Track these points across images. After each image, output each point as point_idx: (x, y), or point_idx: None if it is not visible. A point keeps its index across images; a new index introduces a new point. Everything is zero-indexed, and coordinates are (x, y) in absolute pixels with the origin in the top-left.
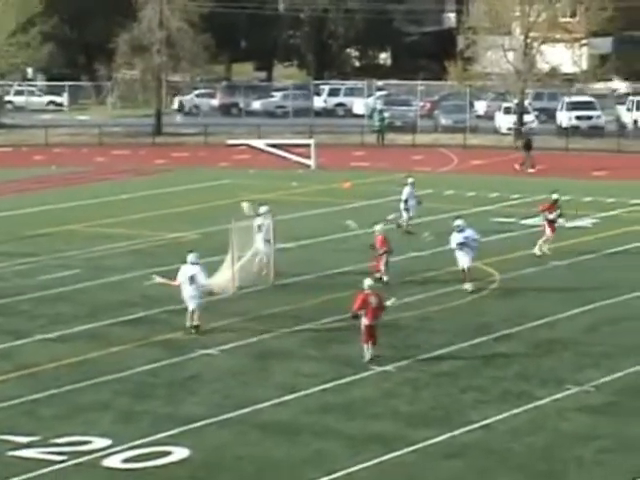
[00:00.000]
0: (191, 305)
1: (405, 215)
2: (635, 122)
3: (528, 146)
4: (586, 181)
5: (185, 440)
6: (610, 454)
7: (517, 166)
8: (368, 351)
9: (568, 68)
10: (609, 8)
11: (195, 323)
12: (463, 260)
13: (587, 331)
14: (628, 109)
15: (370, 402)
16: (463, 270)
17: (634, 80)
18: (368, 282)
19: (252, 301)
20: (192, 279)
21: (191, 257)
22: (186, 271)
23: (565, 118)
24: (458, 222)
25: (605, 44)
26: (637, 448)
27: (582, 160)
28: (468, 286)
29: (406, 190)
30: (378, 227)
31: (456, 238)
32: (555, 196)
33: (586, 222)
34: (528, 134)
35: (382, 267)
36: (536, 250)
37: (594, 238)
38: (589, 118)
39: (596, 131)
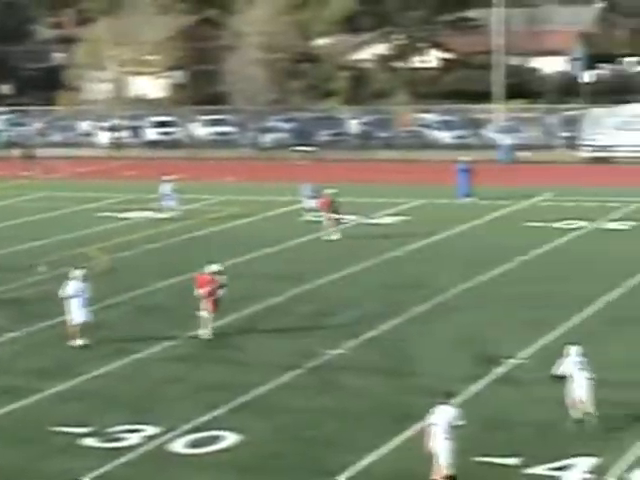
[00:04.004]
0: None
1: None
2: (204, 136)
3: (28, 156)
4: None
5: None
6: (194, 392)
7: (29, 172)
8: None
9: (153, 94)
10: (182, 48)
11: None
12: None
13: (173, 298)
14: (199, 126)
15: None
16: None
17: (205, 105)
18: None
19: None
20: None
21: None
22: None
23: (151, 133)
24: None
25: (181, 76)
26: (211, 386)
27: (166, 167)
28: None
29: None
30: None
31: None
32: (332, 191)
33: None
34: (29, 146)
35: None
36: (333, 237)
37: (177, 226)
38: (169, 133)
39: (174, 143)
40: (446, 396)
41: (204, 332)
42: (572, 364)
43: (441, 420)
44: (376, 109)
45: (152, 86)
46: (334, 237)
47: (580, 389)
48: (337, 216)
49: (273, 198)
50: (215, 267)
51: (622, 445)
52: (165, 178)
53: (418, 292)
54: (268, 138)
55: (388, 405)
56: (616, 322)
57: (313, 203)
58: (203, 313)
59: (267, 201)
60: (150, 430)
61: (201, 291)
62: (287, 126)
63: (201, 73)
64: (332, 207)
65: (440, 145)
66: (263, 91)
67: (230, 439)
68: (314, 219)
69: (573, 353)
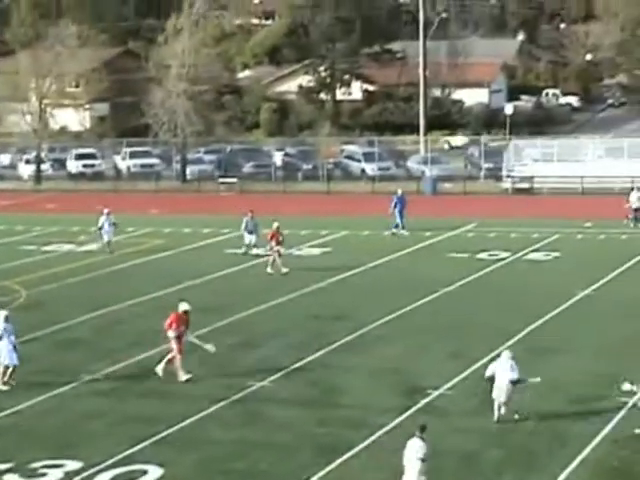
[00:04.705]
0: None
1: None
2: (128, 168)
3: None
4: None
5: None
6: (117, 426)
7: None
8: None
9: (75, 127)
10: (105, 80)
11: None
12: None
13: (97, 331)
14: (122, 158)
15: None
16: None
17: (129, 137)
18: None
19: None
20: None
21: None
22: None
23: (74, 166)
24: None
25: (103, 108)
26: (134, 419)
27: (90, 199)
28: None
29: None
30: None
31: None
32: (276, 224)
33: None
34: None
35: None
36: (282, 270)
37: (101, 259)
38: (92, 166)
39: (98, 176)
40: (420, 430)
41: (181, 374)
42: (499, 366)
43: (411, 453)
44: (300, 141)
45: (75, 118)
46: (284, 270)
47: (499, 390)
48: (282, 249)
49: (197, 230)
50: (185, 306)
51: (543, 474)
52: (104, 210)
53: (342, 323)
54: (192, 170)
55: (314, 437)
56: (536, 352)
57: (252, 237)
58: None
59: (191, 233)
60: (72, 465)
61: (172, 333)
62: (211, 158)
63: (124, 105)
64: (278, 239)
65: (364, 177)
66: (187, 123)
67: (154, 473)
68: (253, 253)
69: (503, 356)
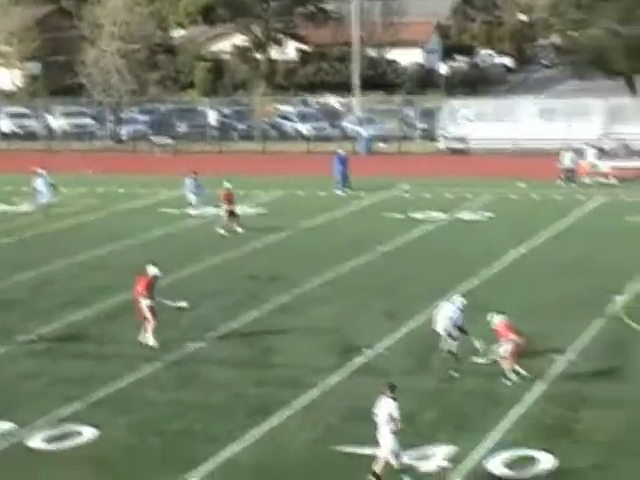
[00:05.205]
0: None
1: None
2: (61, 128)
3: None
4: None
5: None
6: (52, 387)
7: None
8: None
9: (7, 86)
10: (37, 39)
11: None
12: None
13: (30, 292)
14: (55, 118)
15: None
16: None
17: (62, 96)
18: None
19: None
20: None
21: None
22: None
23: (6, 125)
24: None
25: (36, 67)
26: (69, 380)
27: (23, 158)
28: None
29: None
30: None
31: None
32: (227, 185)
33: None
34: None
35: None
36: (221, 231)
37: (34, 220)
38: (25, 125)
39: (30, 135)
40: (390, 388)
41: (149, 338)
42: (443, 311)
43: (383, 412)
44: (235, 100)
45: (6, 77)
46: (239, 229)
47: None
48: (235, 208)
49: (132, 190)
50: (155, 270)
51: (478, 433)
52: (39, 171)
53: (278, 284)
54: (126, 130)
55: (250, 397)
56: (470, 311)
57: (196, 198)
58: (150, 322)
59: (126, 193)
60: (6, 426)
61: (147, 302)
62: (145, 118)
63: (57, 64)
64: (231, 199)
65: (299, 137)
66: (120, 82)
67: (88, 434)
68: (195, 213)
69: (454, 302)
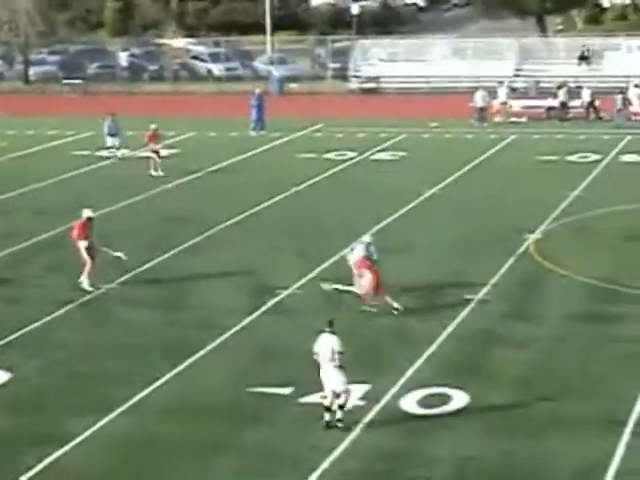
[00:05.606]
0: None
1: None
2: None
3: None
4: None
5: None
6: None
7: None
8: None
9: None
10: None
11: None
12: None
13: None
14: None
15: None
16: None
17: None
18: None
19: None
20: None
21: None
22: None
23: None
24: None
25: None
26: None
27: None
28: None
29: None
30: None
31: None
32: (154, 126)
33: None
34: None
35: None
36: (153, 172)
37: None
38: None
39: None
40: (328, 323)
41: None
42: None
43: (325, 348)
44: (146, 41)
45: None
46: (161, 172)
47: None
48: (160, 149)
49: (42, 132)
50: (89, 212)
51: (392, 372)
52: None
53: (190, 225)
54: (35, 71)
55: (163, 338)
56: (382, 251)
57: (115, 139)
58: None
59: (35, 135)
60: None
61: (82, 243)
62: (55, 59)
63: None
64: (157, 140)
65: (210, 77)
66: (29, 23)
67: (1, 377)
68: (110, 155)
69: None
